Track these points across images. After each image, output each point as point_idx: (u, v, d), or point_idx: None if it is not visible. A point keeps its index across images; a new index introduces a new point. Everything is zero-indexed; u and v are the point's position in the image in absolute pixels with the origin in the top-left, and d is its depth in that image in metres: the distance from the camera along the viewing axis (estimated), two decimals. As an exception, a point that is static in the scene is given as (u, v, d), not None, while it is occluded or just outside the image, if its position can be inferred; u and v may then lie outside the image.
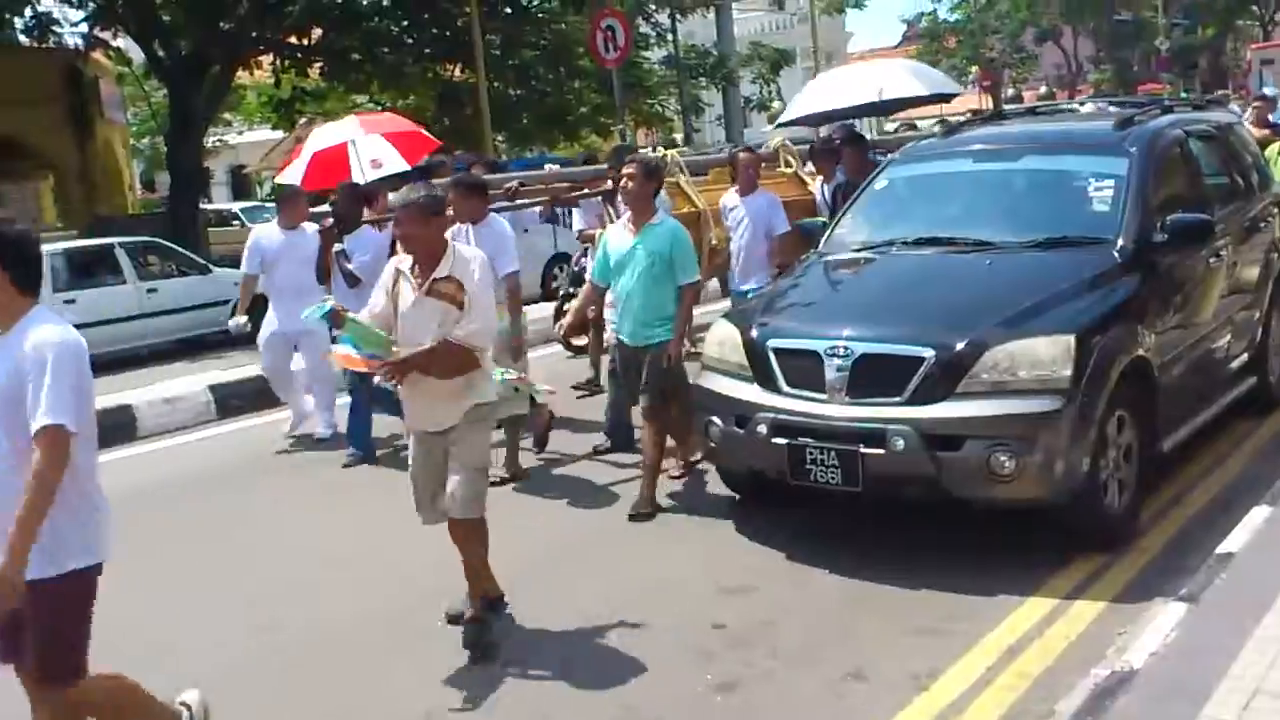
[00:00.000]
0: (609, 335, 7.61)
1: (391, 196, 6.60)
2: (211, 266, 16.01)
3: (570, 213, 11.42)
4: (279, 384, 9.49)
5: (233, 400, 10.62)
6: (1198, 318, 6.74)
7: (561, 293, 12.08)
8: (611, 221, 8.30)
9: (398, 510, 5.36)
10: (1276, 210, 8.18)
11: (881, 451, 5.45)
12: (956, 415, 5.40)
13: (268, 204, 28.01)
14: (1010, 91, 51.98)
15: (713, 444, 6.39)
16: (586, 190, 9.53)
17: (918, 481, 5.52)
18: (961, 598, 5.24)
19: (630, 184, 6.80)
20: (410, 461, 5.27)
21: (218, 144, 38.01)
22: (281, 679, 5.14)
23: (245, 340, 9.58)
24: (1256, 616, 4.40)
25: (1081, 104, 10.08)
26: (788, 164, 10.35)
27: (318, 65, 23.64)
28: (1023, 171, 7.11)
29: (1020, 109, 11.26)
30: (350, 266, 8.40)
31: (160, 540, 7.30)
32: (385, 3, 23.54)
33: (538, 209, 9.40)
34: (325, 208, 9.78)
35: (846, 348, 5.69)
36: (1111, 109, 8.40)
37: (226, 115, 35.93)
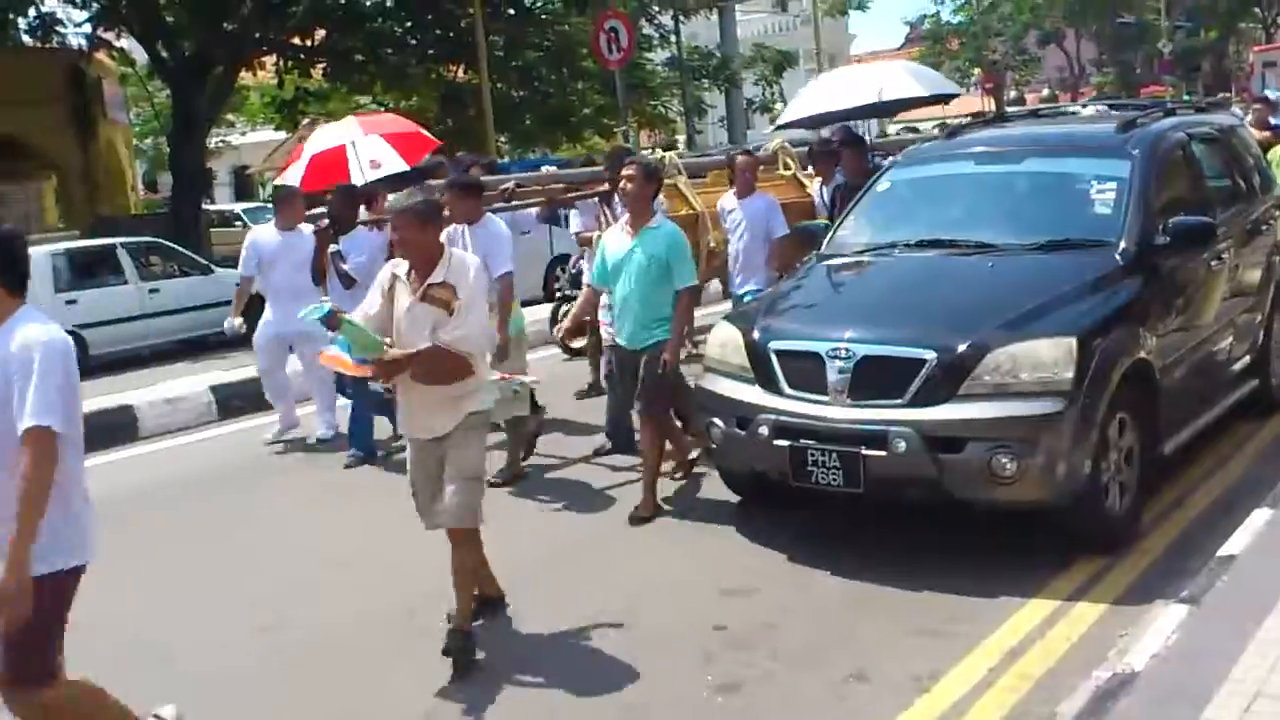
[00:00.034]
0: (606, 334, 7.58)
1: (391, 198, 6.61)
2: (214, 267, 16.04)
3: (567, 215, 11.42)
4: (272, 387, 9.44)
5: (235, 401, 10.62)
6: (1199, 320, 6.73)
7: (559, 295, 12.06)
8: (608, 223, 8.28)
9: (400, 511, 5.36)
10: (1278, 213, 8.18)
11: (883, 453, 5.45)
12: (958, 417, 5.41)
13: (270, 205, 27.98)
14: (1013, 94, 52.06)
15: (714, 445, 6.39)
16: (583, 192, 9.51)
17: (919, 483, 5.52)
18: (963, 599, 5.24)
19: (630, 185, 6.77)
20: (408, 466, 5.26)
21: (220, 145, 38.05)
22: (283, 680, 5.15)
23: (246, 341, 9.56)
24: (1258, 619, 4.39)
25: (1084, 106, 10.07)
26: (786, 166, 10.34)
27: (321, 66, 23.66)
28: (1025, 174, 7.11)
29: (1023, 111, 11.26)
30: (346, 267, 8.38)
31: (162, 541, 7.31)
32: (388, 4, 23.56)
33: (535, 210, 9.35)
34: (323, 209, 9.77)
35: (848, 349, 5.69)
36: (1112, 112, 8.40)
37: (229, 116, 35.96)
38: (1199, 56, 55.31)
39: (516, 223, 8.71)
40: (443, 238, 5.35)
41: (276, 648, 5.47)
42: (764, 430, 5.84)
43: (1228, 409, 7.12)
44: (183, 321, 15.07)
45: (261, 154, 41.49)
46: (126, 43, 23.24)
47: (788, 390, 5.89)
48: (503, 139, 26.11)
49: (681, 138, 33.19)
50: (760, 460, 6.02)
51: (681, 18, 30.08)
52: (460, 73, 24.48)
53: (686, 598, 5.60)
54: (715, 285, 11.67)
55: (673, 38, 30.07)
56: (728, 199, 9.07)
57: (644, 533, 6.58)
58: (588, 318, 8.04)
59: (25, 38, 21.69)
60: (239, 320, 9.45)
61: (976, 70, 58.13)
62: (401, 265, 5.07)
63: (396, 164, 10.98)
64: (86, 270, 14.87)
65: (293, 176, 11.37)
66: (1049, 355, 5.44)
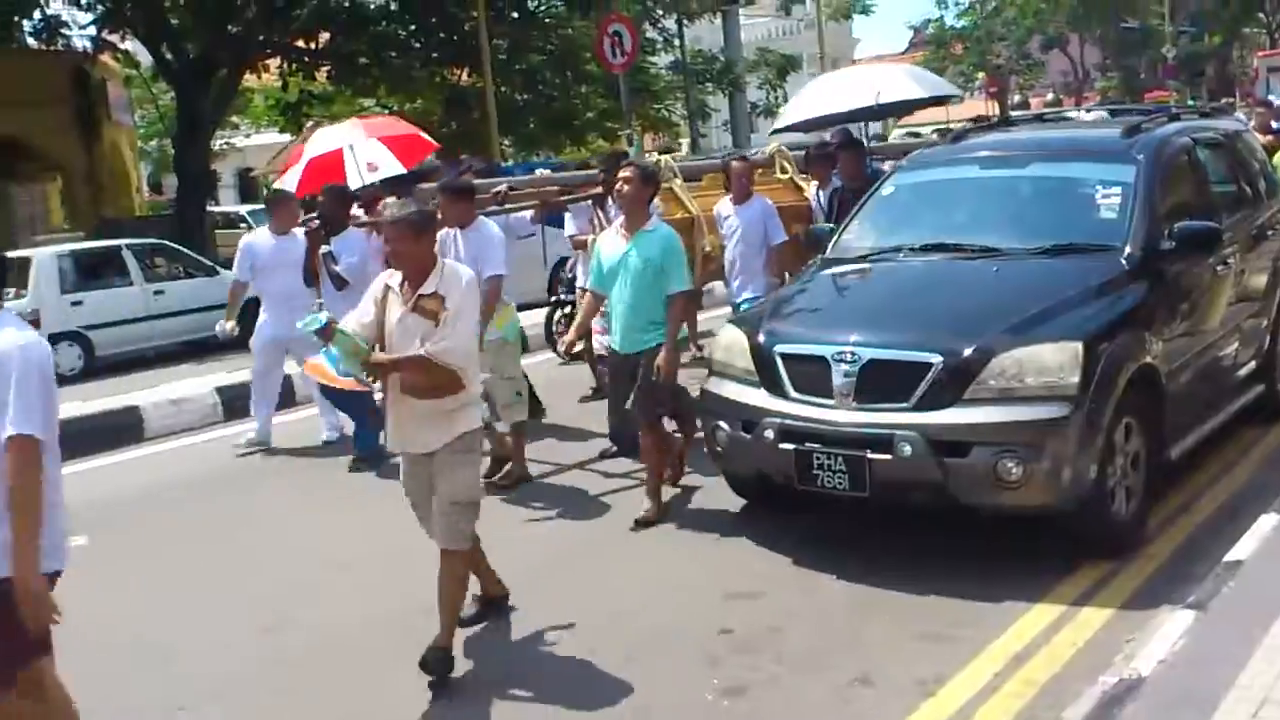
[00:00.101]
0: (597, 343, 7.50)
1: (386, 201, 6.61)
2: (218, 269, 16.04)
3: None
4: (263, 391, 9.39)
5: (239, 402, 10.59)
6: (1205, 325, 6.73)
7: (554, 299, 12.03)
8: (602, 227, 8.25)
9: (402, 513, 5.36)
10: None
11: (889, 457, 5.45)
12: (964, 421, 5.40)
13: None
14: (1017, 98, 51.96)
15: (719, 449, 6.38)
16: (576, 195, 9.47)
17: (925, 487, 5.52)
18: (968, 604, 5.23)
19: (627, 188, 6.69)
20: (402, 478, 5.21)
21: (225, 147, 38.08)
22: (285, 682, 5.15)
23: (248, 343, 9.56)
24: (1265, 625, 4.39)
25: (1086, 111, 10.06)
26: (783, 170, 10.29)
27: (325, 69, 23.70)
28: (1030, 178, 7.10)
29: (1027, 115, 11.24)
30: (337, 268, 8.34)
31: (166, 541, 7.33)
32: (393, 7, 23.58)
33: (528, 214, 9.28)
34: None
35: (854, 353, 5.69)
36: (1112, 118, 8.40)
37: (234, 118, 35.97)
38: (1203, 61, 55.21)
39: (511, 227, 8.66)
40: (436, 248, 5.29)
41: (279, 649, 5.47)
42: (769, 434, 5.83)
43: (1234, 414, 7.11)
44: (188, 323, 15.09)
45: (266, 156, 41.54)
46: (131, 45, 23.30)
47: (793, 394, 5.88)
48: (506, 142, 26.11)
49: (685, 141, 33.17)
50: (765, 464, 6.02)
51: (685, 21, 30.06)
52: (464, 76, 24.50)
53: (691, 601, 5.60)
54: (720, 289, 11.66)
55: (676, 41, 30.06)
56: (724, 204, 9.02)
57: (648, 536, 6.57)
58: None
59: (30, 40, 21.77)
60: (231, 324, 9.44)
61: (980, 75, 58.09)
62: (395, 276, 5.01)
63: (393, 167, 11.00)
64: (92, 272, 14.92)
65: (290, 180, 11.38)
66: (1054, 360, 5.43)
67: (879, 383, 5.60)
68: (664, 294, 6.63)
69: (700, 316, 11.67)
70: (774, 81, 34.28)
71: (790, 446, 5.75)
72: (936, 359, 5.50)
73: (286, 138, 32.71)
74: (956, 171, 7.47)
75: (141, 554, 7.13)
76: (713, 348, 6.67)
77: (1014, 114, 12.67)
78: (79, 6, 21.33)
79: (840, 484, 5.62)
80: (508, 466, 7.74)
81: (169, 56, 21.50)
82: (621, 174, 6.88)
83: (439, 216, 6.73)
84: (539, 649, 5.22)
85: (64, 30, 21.70)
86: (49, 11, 21.09)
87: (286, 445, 9.31)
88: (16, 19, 20.18)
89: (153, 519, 7.83)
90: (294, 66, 23.22)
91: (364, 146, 11.11)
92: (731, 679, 4.74)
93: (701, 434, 7.45)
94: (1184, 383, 6.29)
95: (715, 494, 6.91)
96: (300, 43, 22.68)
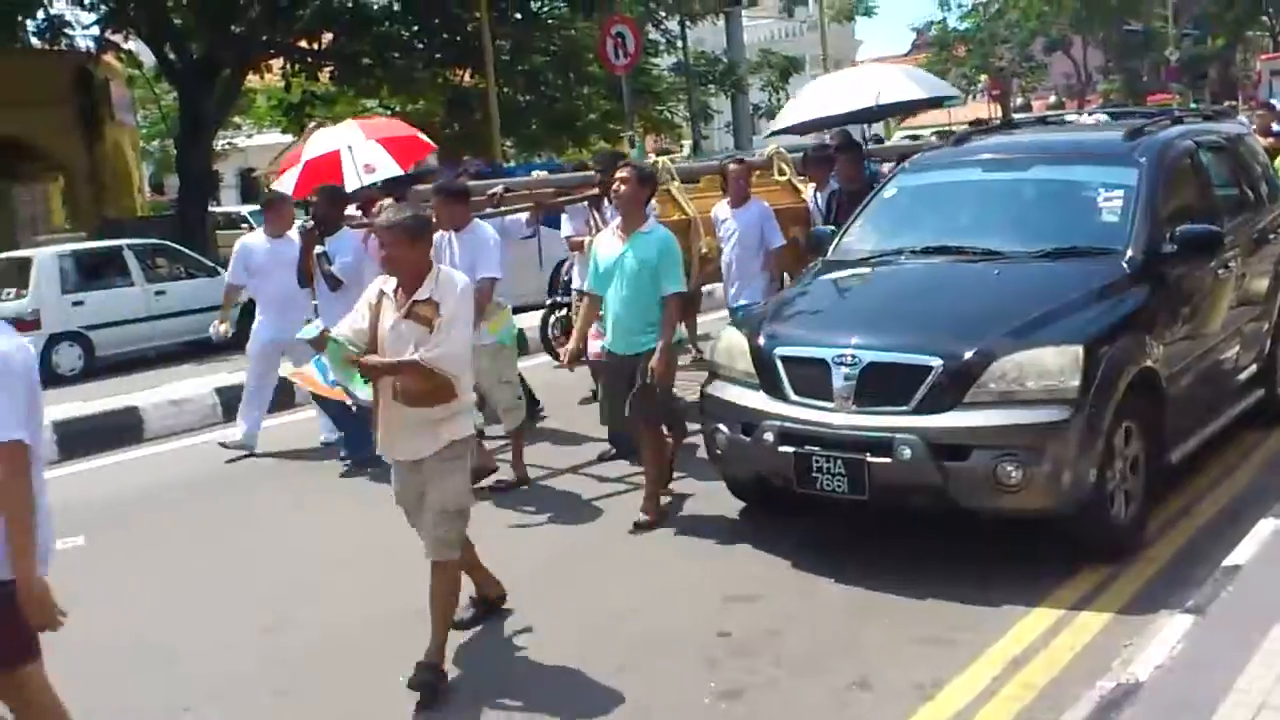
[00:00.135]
0: (593, 347, 7.40)
1: (382, 204, 6.56)
2: (220, 269, 16.01)
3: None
4: (256, 394, 9.31)
5: (239, 403, 10.61)
6: (1206, 329, 6.72)
7: (549, 302, 12.00)
8: (598, 228, 8.22)
9: (402, 514, 5.36)
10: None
11: (888, 460, 5.45)
12: (964, 425, 5.40)
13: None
14: (1019, 100, 51.96)
15: (719, 451, 6.38)
16: (572, 196, 9.44)
17: (924, 491, 5.52)
18: (967, 608, 5.23)
19: (623, 189, 6.66)
20: (393, 488, 5.15)
21: (227, 147, 38.12)
22: (286, 682, 5.15)
23: (243, 345, 9.54)
24: (1263, 630, 4.38)
25: (1089, 113, 10.05)
26: (781, 171, 10.28)
27: (328, 69, 23.70)
28: (1032, 181, 7.10)
29: (1030, 118, 11.24)
30: (332, 269, 8.27)
31: (167, 542, 7.33)
32: (396, 8, 23.59)
33: (524, 216, 9.23)
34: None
35: (854, 356, 5.68)
36: (1112, 121, 8.39)
37: (236, 119, 36.01)
38: (1206, 64, 55.18)
39: (507, 229, 8.62)
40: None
41: (280, 650, 5.47)
42: (769, 436, 5.83)
43: (1234, 418, 7.11)
44: (189, 323, 15.08)
45: (268, 157, 41.51)
46: (134, 45, 23.33)
47: (793, 396, 5.88)
48: (509, 143, 26.12)
49: (687, 143, 33.17)
50: (765, 466, 6.01)
51: (688, 23, 30.06)
52: (467, 77, 24.51)
53: (689, 603, 5.59)
54: (720, 291, 11.64)
55: (679, 43, 30.07)
56: (721, 208, 8.99)
57: (647, 539, 6.57)
58: (575, 321, 7.90)
59: (33, 39, 21.77)
60: (225, 326, 9.41)
61: (983, 77, 58.13)
62: (389, 281, 4.95)
63: (391, 168, 10.98)
64: (93, 272, 14.94)
65: (287, 182, 11.36)
66: (1055, 363, 5.43)
67: (879, 386, 5.60)
68: (660, 295, 6.60)
69: (700, 319, 11.69)
70: (776, 83, 34.28)
71: (790, 449, 5.75)
72: (937, 362, 5.50)
73: (289, 138, 32.74)
74: (959, 174, 7.47)
75: (142, 554, 7.14)
76: (713, 350, 6.65)
77: (1016, 116, 12.66)
78: (82, 6, 21.34)
79: (839, 487, 5.62)
80: (490, 479, 7.67)
81: (172, 56, 21.51)
82: (618, 175, 6.85)
83: (434, 220, 6.70)
84: (537, 651, 5.21)
85: (67, 30, 21.73)
86: (52, 11, 21.14)
87: (287, 446, 9.31)
88: (20, 18, 20.17)
89: (153, 519, 7.83)
90: (297, 67, 23.23)
91: (362, 148, 11.10)
92: (729, 682, 4.74)
93: (690, 438, 7.47)
94: (1185, 386, 6.28)
95: (714, 497, 6.90)
96: (303, 43, 22.69)
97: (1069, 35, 60.31)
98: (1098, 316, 5.79)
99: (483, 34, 20.29)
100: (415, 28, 23.53)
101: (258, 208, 31.27)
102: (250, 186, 47.29)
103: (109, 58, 23.96)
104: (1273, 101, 17.05)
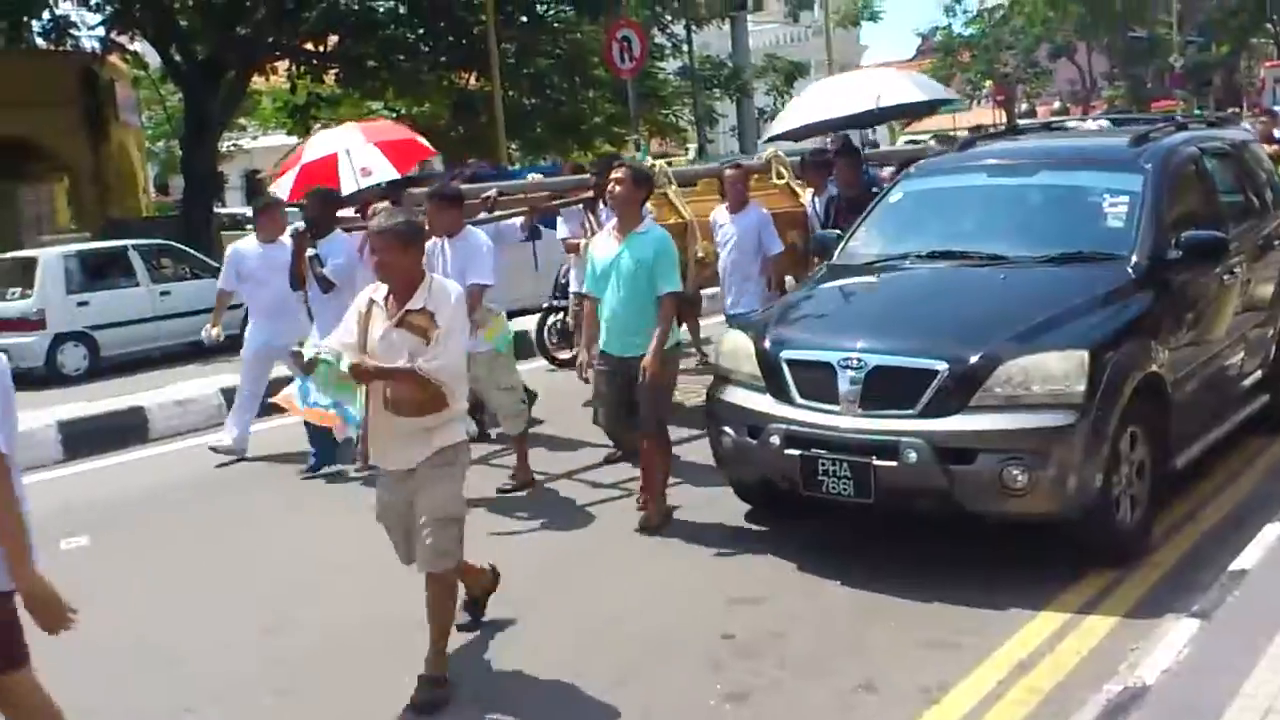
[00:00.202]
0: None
1: (375, 208, 6.50)
2: (223, 270, 16.05)
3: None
4: (248, 398, 9.26)
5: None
6: (1211, 335, 6.72)
7: (545, 305, 12.00)
8: (593, 232, 8.21)
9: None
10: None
11: (894, 464, 5.45)
12: (969, 429, 5.40)
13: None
14: (1024, 106, 51.95)
15: (724, 454, 6.38)
16: (566, 199, 9.43)
17: (930, 494, 5.52)
18: (973, 611, 5.23)
19: (618, 189, 6.63)
20: (376, 506, 5.08)
21: (232, 149, 38.10)
22: (287, 683, 5.15)
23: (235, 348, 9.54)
24: (1269, 634, 4.38)
25: (1093, 119, 10.05)
26: (780, 175, 10.27)
27: (333, 72, 23.73)
28: (1037, 186, 7.10)
29: (1035, 123, 11.24)
30: (324, 271, 8.19)
31: (170, 542, 7.34)
32: (401, 10, 23.64)
33: (519, 221, 9.20)
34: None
35: (860, 359, 5.69)
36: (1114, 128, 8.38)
37: (241, 120, 36.01)
38: (1210, 71, 55.19)
39: (502, 234, 8.60)
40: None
41: (281, 650, 5.48)
42: (775, 439, 5.83)
43: (1239, 424, 7.11)
44: (193, 324, 14.95)
45: (273, 158, 41.40)
46: (140, 46, 23.37)
47: (799, 399, 5.89)
48: (514, 146, 26.14)
49: (693, 146, 33.20)
50: (770, 469, 6.01)
51: (694, 27, 30.09)
52: (472, 80, 24.52)
53: (694, 606, 5.60)
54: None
55: (685, 47, 30.09)
56: (719, 212, 8.97)
57: (652, 541, 6.57)
58: (571, 323, 7.85)
59: (39, 40, 21.81)
60: (216, 330, 9.34)
61: (988, 83, 58.11)
62: (379, 290, 4.88)
63: (388, 172, 10.97)
64: (98, 272, 14.96)
65: (283, 186, 11.34)
66: (1060, 368, 5.43)
67: (885, 389, 5.60)
68: (656, 296, 6.57)
69: (701, 322, 11.68)
70: (781, 88, 34.30)
71: (795, 452, 5.75)
72: (943, 366, 5.50)
73: (294, 140, 32.78)
74: (964, 179, 7.48)
75: (145, 554, 7.14)
76: (718, 353, 6.66)
77: (1020, 122, 12.65)
78: (88, 7, 21.38)
79: (845, 490, 5.62)
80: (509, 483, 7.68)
81: (177, 58, 21.54)
82: (613, 175, 6.82)
83: (427, 226, 6.65)
84: (540, 654, 5.20)
85: (73, 31, 21.74)
86: (58, 12, 21.14)
87: (291, 449, 9.30)
88: (26, 19, 20.22)
89: (157, 520, 7.84)
90: (302, 69, 23.26)
91: (360, 151, 11.09)
92: (734, 684, 4.74)
93: (692, 443, 7.45)
94: (1190, 392, 6.28)
95: (719, 499, 6.90)
96: (309, 45, 22.71)
97: (1074, 41, 60.35)
98: (1103, 322, 5.80)
99: (488, 37, 20.30)
100: (421, 30, 23.56)
101: (262, 209, 31.43)
102: (255, 188, 47.26)
103: (114, 58, 23.98)
104: (1275, 108, 17.07)
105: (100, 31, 21.88)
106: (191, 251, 16.50)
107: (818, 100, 13.99)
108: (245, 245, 9.38)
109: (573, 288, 9.90)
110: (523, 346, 10.58)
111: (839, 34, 43.70)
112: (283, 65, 23.76)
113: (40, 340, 13.94)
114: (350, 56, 22.84)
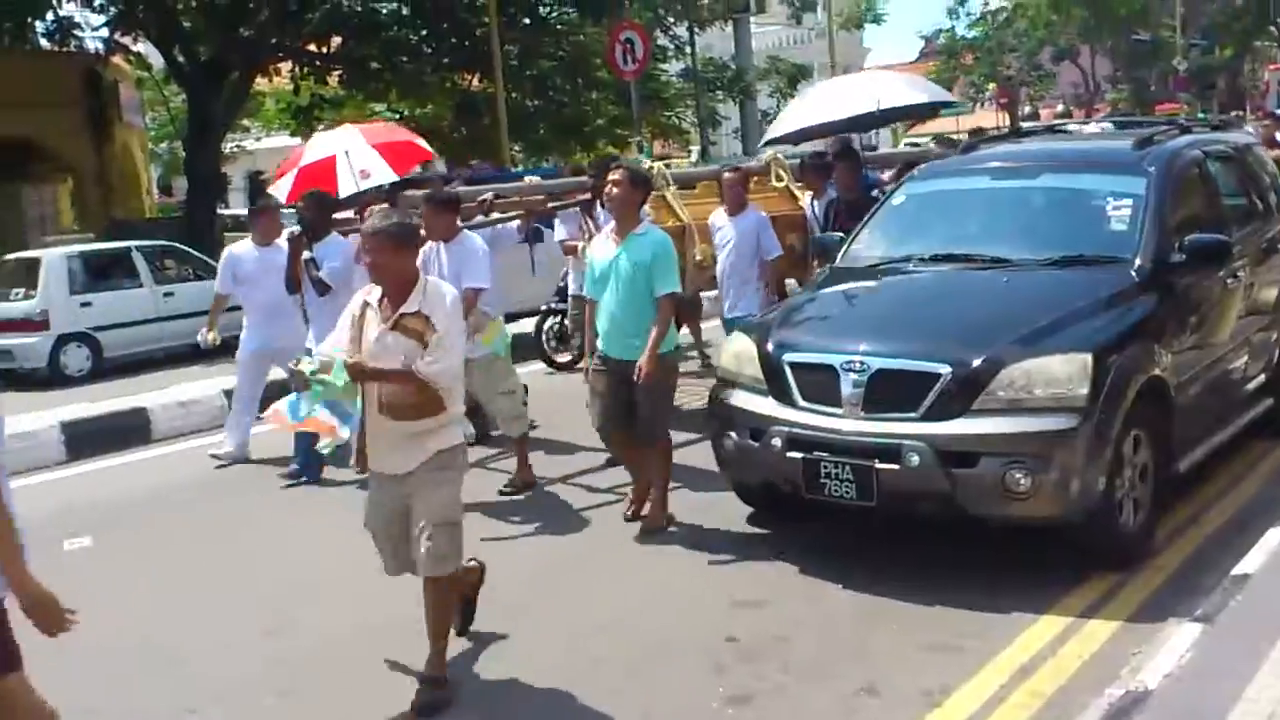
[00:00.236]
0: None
1: (370, 209, 6.48)
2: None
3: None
4: (244, 403, 9.24)
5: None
6: (1215, 338, 6.72)
7: (544, 307, 11.98)
8: (591, 235, 8.19)
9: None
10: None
11: (896, 467, 5.45)
12: (972, 432, 5.40)
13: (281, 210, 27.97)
14: (1027, 109, 51.96)
15: (727, 457, 6.38)
16: (564, 202, 9.42)
17: (933, 498, 5.51)
18: (975, 614, 5.23)
19: (616, 190, 6.59)
20: (366, 510, 5.07)
21: (236, 150, 38.14)
22: (289, 684, 5.15)
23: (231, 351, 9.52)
24: (1272, 638, 4.37)
25: (1096, 123, 10.04)
26: (779, 178, 10.25)
27: (337, 73, 23.73)
28: (1040, 189, 7.09)
29: (1038, 126, 11.22)
30: (320, 274, 8.17)
31: (172, 543, 7.34)
32: (405, 12, 23.62)
33: (515, 224, 9.17)
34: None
35: (863, 363, 5.69)
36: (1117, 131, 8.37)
37: (245, 121, 36.06)
38: (1214, 74, 55.12)
39: (499, 237, 8.57)
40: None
41: (282, 652, 5.48)
42: (777, 442, 5.83)
43: (1243, 427, 7.10)
44: (196, 325, 14.71)
45: (276, 160, 41.24)
46: (143, 47, 23.34)
47: (801, 402, 5.88)
48: (517, 148, 26.15)
49: (695, 148, 33.21)
50: (773, 472, 6.01)
51: (697, 29, 30.10)
52: (475, 81, 24.52)
53: (697, 609, 5.60)
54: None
55: (688, 49, 30.10)
56: (718, 215, 8.93)
57: (655, 544, 6.57)
58: (569, 325, 7.82)
59: (43, 41, 21.81)
60: (213, 335, 9.29)
61: (991, 85, 58.09)
62: (374, 293, 4.84)
63: (386, 174, 10.97)
64: (101, 273, 14.98)
65: (282, 188, 11.33)
66: (1064, 371, 5.43)
67: (887, 392, 5.60)
68: (654, 297, 6.54)
69: (703, 325, 11.68)
70: (784, 90, 34.33)
71: (798, 455, 5.75)
72: (945, 369, 5.50)
73: (297, 141, 32.80)
74: (967, 182, 7.48)
75: (148, 555, 7.15)
76: (721, 356, 6.65)
77: (1024, 125, 12.63)
78: (91, 8, 21.37)
79: (847, 493, 5.62)
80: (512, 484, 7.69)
81: (181, 59, 21.54)
82: (611, 177, 6.79)
83: (423, 230, 6.62)
84: (542, 657, 5.20)
85: (76, 32, 21.73)
86: (61, 13, 21.12)
87: (288, 450, 9.28)
88: (29, 20, 20.22)
89: (160, 520, 7.84)
90: (305, 70, 23.26)
91: (359, 153, 11.09)
92: (737, 687, 4.74)
93: (693, 446, 7.44)
94: (1193, 395, 6.28)
95: (722, 502, 6.90)
96: (312, 47, 22.71)
97: (1077, 44, 60.31)
98: (1106, 325, 5.79)
99: (491, 39, 20.31)
100: (424, 32, 23.54)
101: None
102: (258, 189, 47.26)
103: (118, 60, 23.99)
104: (1278, 111, 17.04)
105: (104, 32, 21.90)
106: (195, 253, 16.47)
107: (816, 103, 13.96)
108: (240, 248, 9.36)
109: (570, 290, 9.89)
110: (524, 348, 10.58)
111: (842, 36, 43.75)
112: (286, 67, 23.75)
113: (43, 341, 13.96)
114: (353, 58, 22.84)
